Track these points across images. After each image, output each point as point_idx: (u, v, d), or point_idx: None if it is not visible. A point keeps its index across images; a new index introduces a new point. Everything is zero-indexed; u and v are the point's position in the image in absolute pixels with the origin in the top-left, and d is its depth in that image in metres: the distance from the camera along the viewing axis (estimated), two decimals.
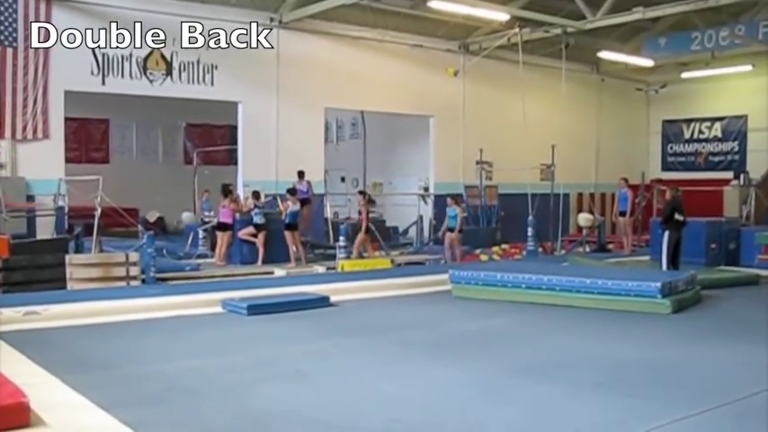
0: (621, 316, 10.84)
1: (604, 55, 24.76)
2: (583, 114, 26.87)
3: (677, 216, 14.49)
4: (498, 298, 12.16)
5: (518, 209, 20.76)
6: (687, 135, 29.19)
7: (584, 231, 21.67)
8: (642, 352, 8.60)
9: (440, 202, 22.29)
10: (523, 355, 8.45)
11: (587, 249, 20.58)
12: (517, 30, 20.22)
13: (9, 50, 16.42)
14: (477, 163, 23.60)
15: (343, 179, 26.50)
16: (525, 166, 21.70)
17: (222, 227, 17.49)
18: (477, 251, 19.94)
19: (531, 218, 19.07)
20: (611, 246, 20.95)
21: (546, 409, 6.36)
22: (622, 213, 20.32)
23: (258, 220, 17.05)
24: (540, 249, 19.54)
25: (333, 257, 17.13)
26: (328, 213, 19.76)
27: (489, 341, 9.24)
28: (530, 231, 18.98)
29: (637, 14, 20.05)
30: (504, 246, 21.17)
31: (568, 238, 22.07)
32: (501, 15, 20.10)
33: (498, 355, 8.39)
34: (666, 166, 29.57)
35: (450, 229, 18.00)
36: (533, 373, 7.50)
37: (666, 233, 14.52)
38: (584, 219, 22.15)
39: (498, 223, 23.17)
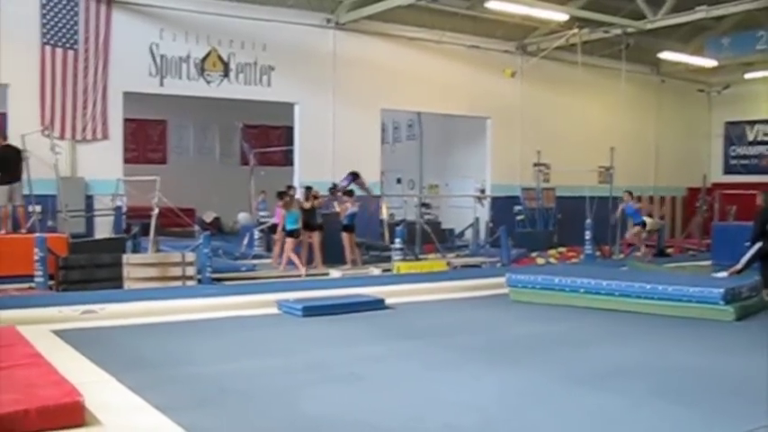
0: (682, 323, 10.57)
1: (665, 56, 24.27)
2: (642, 116, 26.39)
3: None
4: (556, 302, 11.98)
5: (575, 212, 20.53)
6: (751, 137, 28.50)
7: (644, 235, 21.29)
8: (704, 361, 8.36)
9: (496, 205, 22.15)
10: (581, 361, 8.28)
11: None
12: (576, 30, 19.99)
13: (70, 53, 16.67)
14: (535, 165, 23.38)
15: (399, 180, 26.42)
16: (583, 168, 21.45)
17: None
18: (534, 254, 19.74)
19: (588, 221, 18.79)
20: (670, 250, 20.54)
21: (603, 420, 6.18)
22: (641, 225, 19.75)
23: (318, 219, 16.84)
24: (598, 253, 19.25)
25: (388, 259, 17.05)
26: (384, 215, 19.69)
27: (546, 347, 9.08)
28: (587, 235, 18.68)
29: (699, 13, 19.57)
30: (561, 249, 20.95)
31: (627, 242, 21.69)
32: (559, 16, 19.83)
33: (555, 361, 8.24)
34: (729, 169, 28.89)
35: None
36: (591, 381, 7.32)
37: (757, 245, 12.78)
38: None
39: (555, 226, 22.93)
